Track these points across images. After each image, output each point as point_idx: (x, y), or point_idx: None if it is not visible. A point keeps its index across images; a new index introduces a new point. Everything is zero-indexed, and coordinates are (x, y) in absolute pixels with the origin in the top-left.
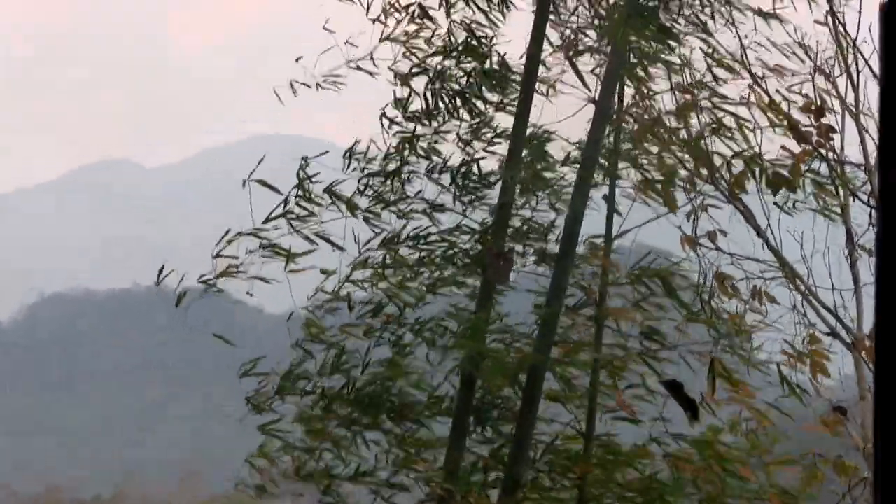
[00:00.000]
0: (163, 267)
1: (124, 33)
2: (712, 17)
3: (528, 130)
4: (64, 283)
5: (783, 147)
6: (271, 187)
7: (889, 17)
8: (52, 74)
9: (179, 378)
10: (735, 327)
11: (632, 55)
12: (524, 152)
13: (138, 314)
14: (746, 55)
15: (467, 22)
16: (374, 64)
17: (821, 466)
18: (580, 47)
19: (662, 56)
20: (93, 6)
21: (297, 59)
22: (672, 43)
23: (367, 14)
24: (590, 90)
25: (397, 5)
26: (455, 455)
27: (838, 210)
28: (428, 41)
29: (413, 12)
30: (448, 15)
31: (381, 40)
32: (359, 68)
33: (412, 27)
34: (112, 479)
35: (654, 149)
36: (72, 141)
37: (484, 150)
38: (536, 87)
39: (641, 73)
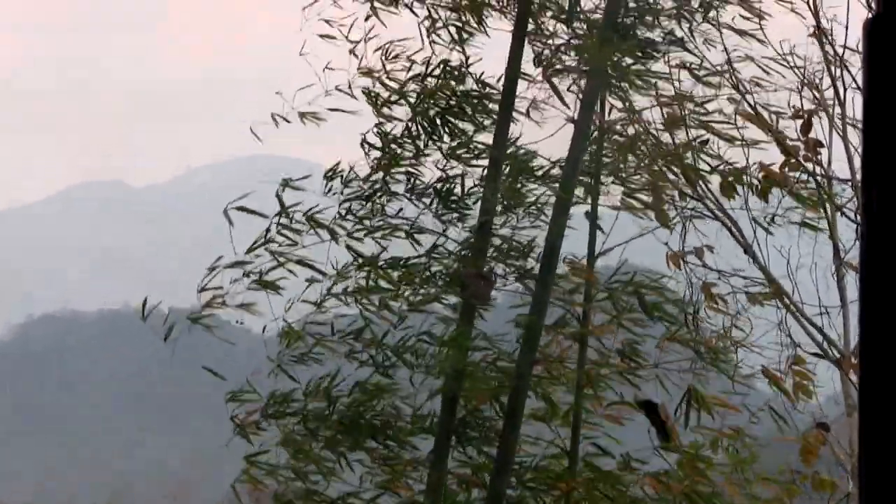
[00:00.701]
0: (146, 301)
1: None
2: (690, 34)
3: (508, 149)
4: (54, 303)
5: (760, 163)
6: (253, 212)
7: (872, 34)
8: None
9: (174, 379)
10: (722, 342)
11: (611, 72)
12: (504, 171)
13: (128, 336)
14: (733, 67)
15: (445, 44)
16: (352, 96)
17: (799, 484)
18: (558, 66)
19: (643, 71)
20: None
21: (277, 93)
22: (652, 59)
23: (348, 34)
24: (569, 108)
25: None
26: (437, 474)
27: (824, 223)
28: (407, 64)
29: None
30: (429, 36)
31: (359, 71)
32: (337, 109)
33: (389, 54)
34: (110, 484)
35: (639, 163)
36: (54, 167)
37: (464, 170)
38: (515, 106)
39: (623, 90)
